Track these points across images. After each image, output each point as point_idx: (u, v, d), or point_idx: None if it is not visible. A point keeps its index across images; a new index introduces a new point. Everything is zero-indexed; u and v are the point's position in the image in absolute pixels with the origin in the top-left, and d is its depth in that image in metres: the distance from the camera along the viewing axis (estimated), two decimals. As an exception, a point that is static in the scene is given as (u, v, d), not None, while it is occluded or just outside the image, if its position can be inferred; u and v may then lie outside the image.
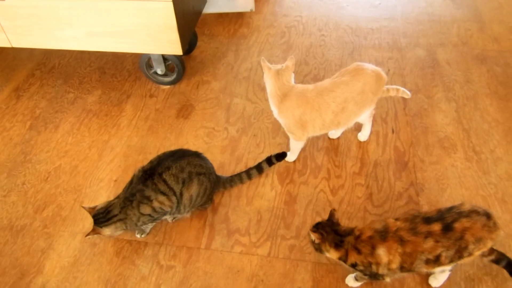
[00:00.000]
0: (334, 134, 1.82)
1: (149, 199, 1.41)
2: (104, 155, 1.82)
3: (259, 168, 1.68)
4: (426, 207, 1.57)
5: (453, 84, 2.06)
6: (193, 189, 1.47)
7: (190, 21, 2.02)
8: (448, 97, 1.99)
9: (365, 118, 1.72)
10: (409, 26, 2.44)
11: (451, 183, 1.65)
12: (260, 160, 1.74)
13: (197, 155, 1.53)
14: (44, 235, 1.57)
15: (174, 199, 1.44)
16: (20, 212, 1.64)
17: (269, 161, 1.69)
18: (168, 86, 2.14)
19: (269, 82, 1.57)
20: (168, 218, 1.56)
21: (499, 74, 2.10)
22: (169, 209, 1.46)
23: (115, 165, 1.79)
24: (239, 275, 1.43)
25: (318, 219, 1.54)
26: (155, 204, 1.42)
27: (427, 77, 2.11)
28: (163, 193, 1.42)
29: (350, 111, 1.57)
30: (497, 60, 2.18)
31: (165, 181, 1.42)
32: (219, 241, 1.52)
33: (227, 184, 1.66)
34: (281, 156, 1.68)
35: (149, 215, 1.44)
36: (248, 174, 1.67)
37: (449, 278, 1.38)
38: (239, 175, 1.66)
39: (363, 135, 1.81)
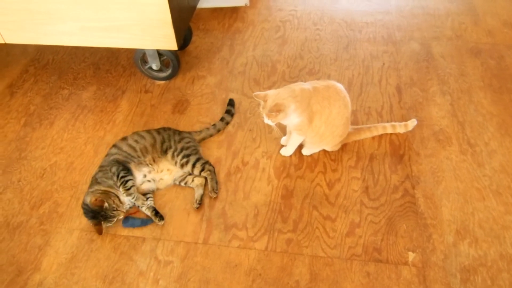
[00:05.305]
0: (307, 151, 1.76)
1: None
2: (100, 151, 1.82)
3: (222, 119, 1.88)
4: (422, 200, 1.58)
5: (447, 78, 2.07)
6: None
7: (185, 15, 2.01)
8: (443, 90, 2.00)
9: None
10: (404, 20, 2.44)
11: (446, 176, 1.66)
12: (257, 155, 1.75)
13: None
14: (41, 232, 1.56)
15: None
16: (16, 209, 1.63)
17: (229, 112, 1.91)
18: (163, 82, 2.13)
19: (273, 97, 1.52)
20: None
21: (493, 67, 2.11)
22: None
23: (111, 161, 1.78)
24: (237, 269, 1.43)
25: (315, 213, 1.56)
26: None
27: (422, 70, 2.11)
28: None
29: (336, 125, 1.61)
30: (491, 53, 2.19)
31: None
32: (216, 236, 1.52)
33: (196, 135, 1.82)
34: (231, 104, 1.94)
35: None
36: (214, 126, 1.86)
37: (444, 269, 1.39)
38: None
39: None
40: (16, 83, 2.17)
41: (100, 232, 1.50)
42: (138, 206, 1.58)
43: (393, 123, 1.78)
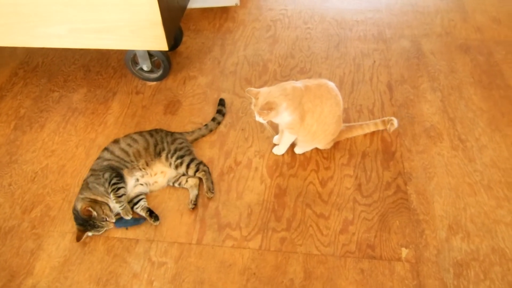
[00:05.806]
0: (300, 149, 1.76)
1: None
2: (92, 153, 1.81)
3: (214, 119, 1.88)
4: (414, 196, 1.59)
5: (438, 74, 2.08)
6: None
7: (175, 16, 2.01)
8: (433, 87, 2.02)
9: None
10: (394, 18, 2.46)
11: (438, 172, 1.67)
12: (249, 155, 1.75)
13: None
14: (33, 236, 1.55)
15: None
16: (8, 213, 1.62)
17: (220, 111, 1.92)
18: (154, 83, 2.12)
19: (265, 95, 1.52)
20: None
21: (482, 63, 2.13)
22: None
23: (103, 163, 1.77)
24: (231, 269, 1.43)
25: (308, 211, 1.57)
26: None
27: (413, 67, 2.13)
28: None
29: (328, 123, 1.61)
30: (480, 49, 2.21)
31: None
32: (210, 236, 1.52)
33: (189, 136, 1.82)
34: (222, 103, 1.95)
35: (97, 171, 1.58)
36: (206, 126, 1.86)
37: (438, 265, 1.40)
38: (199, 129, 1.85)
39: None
40: (5, 86, 2.15)
41: (78, 239, 1.48)
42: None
43: (383, 118, 1.78)
